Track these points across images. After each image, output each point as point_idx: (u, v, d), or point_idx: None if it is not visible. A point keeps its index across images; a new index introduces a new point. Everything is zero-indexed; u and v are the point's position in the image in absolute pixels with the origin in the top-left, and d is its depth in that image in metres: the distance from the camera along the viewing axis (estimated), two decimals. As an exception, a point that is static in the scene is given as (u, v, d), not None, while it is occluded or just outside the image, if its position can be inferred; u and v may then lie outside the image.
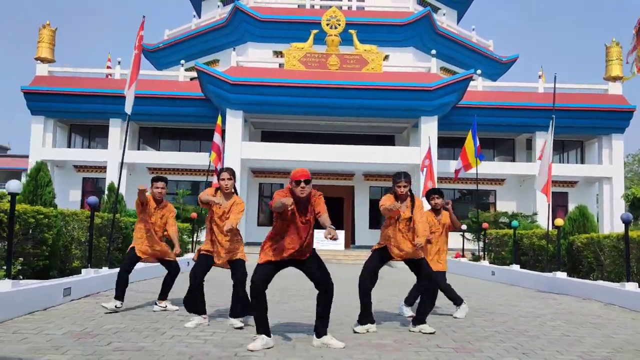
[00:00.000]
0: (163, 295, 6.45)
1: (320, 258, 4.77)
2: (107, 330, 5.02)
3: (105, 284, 7.89)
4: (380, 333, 5.25)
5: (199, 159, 22.88)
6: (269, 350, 4.37)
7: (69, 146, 25.37)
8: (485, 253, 14.44)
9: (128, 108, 9.04)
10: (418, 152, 21.29)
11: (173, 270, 6.49)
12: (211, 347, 4.46)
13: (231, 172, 5.57)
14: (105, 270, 8.25)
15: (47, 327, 5.08)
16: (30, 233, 6.99)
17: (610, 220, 22.83)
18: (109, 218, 9.21)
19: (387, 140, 25.48)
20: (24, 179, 5.67)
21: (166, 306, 6.39)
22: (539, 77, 24.93)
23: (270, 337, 4.49)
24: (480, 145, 18.47)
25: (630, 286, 7.58)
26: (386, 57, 24.44)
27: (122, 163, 9.26)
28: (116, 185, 10.77)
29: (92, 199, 7.56)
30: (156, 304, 6.42)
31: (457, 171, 19.12)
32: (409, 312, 6.26)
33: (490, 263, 13.62)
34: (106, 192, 13.76)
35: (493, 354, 4.44)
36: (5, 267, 5.82)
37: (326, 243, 20.56)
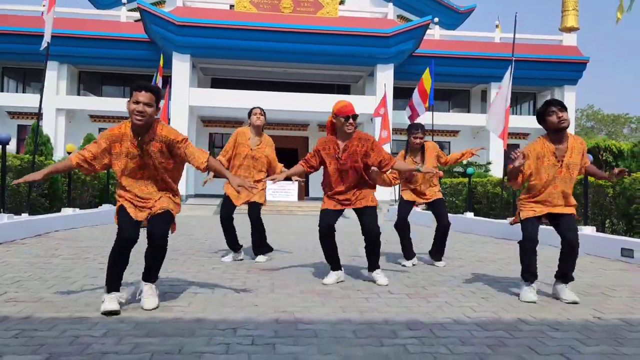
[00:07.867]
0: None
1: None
2: (6, 280, 4.29)
3: (23, 231, 7.04)
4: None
5: (144, 105, 21.56)
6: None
7: (1, 91, 23.52)
8: (439, 202, 14.17)
9: (47, 34, 7.99)
10: (374, 102, 20.69)
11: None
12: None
13: None
14: (24, 217, 7.38)
15: None
16: None
17: (561, 172, 23.10)
18: (29, 160, 8.26)
19: (342, 89, 24.79)
20: None
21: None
22: (496, 27, 24.53)
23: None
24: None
25: (588, 230, 7.34)
26: (342, 2, 23.45)
27: (40, 102, 8.24)
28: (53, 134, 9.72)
29: (5, 134, 6.62)
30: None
31: (414, 113, 17.52)
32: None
33: (444, 212, 13.37)
34: (29, 133, 12.57)
35: (450, 299, 3.98)
36: None
37: (278, 194, 19.99)
